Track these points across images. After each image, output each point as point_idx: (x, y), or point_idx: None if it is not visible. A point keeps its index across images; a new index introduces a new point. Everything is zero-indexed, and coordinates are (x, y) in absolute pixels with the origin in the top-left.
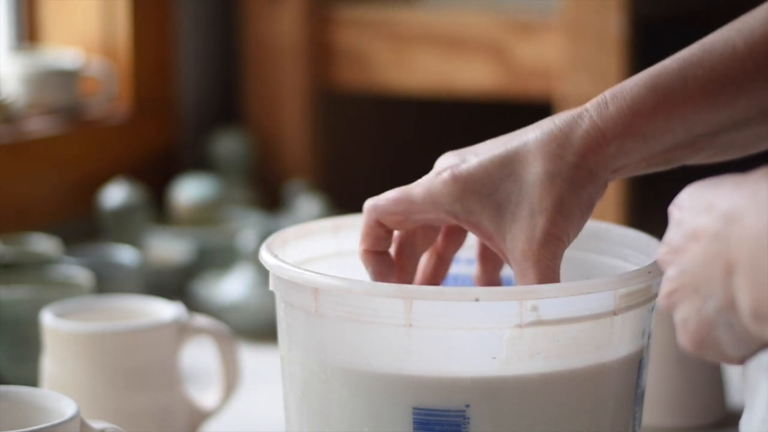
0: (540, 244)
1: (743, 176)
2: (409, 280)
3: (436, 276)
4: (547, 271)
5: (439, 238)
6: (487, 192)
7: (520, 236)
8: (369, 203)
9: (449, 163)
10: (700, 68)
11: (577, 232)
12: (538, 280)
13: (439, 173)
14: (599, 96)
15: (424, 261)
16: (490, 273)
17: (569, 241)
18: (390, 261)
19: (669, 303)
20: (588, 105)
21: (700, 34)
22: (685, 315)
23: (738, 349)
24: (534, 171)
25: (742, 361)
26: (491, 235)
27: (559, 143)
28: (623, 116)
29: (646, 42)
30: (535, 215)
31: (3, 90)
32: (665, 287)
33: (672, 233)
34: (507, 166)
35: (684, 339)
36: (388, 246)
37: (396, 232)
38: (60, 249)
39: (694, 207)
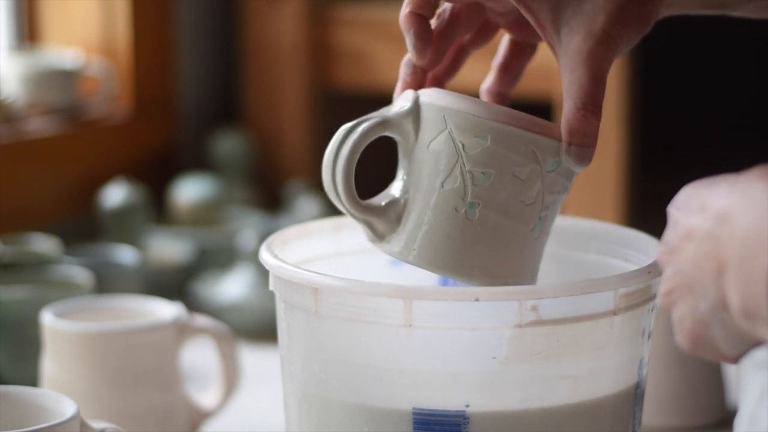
0: (597, 41)
1: (738, 176)
2: (439, 59)
3: (454, 65)
4: (598, 69)
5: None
6: None
7: (578, 31)
8: None
9: None
10: None
11: (629, 45)
12: (587, 76)
13: None
14: None
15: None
16: (504, 87)
17: (620, 51)
18: (430, 30)
19: (667, 302)
20: None
21: (701, 34)
22: (682, 314)
23: (732, 347)
24: None
25: (737, 359)
26: (545, 25)
27: None
28: None
29: (646, 41)
30: (598, 14)
31: (3, 90)
32: (663, 286)
33: (669, 233)
34: None
35: (681, 338)
36: (431, 14)
37: (440, 11)
38: (60, 249)
39: (689, 206)
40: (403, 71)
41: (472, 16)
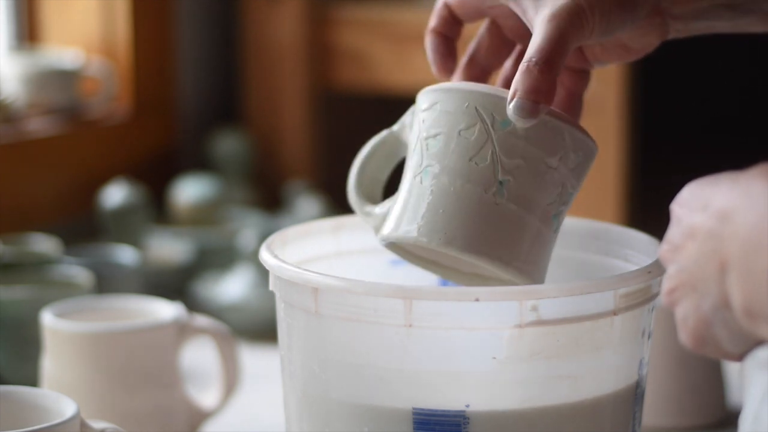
0: (561, 7)
1: (740, 174)
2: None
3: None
4: (556, 30)
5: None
6: None
7: (548, 4)
8: None
9: None
10: None
11: (609, 25)
12: (543, 35)
13: None
14: None
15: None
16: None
17: (592, 25)
18: (453, 49)
19: (670, 300)
20: None
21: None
22: (685, 312)
23: (736, 345)
24: None
25: (741, 357)
26: (526, 9)
27: None
28: None
29: None
30: None
31: (3, 90)
32: (666, 285)
33: (672, 231)
34: None
35: (684, 336)
36: (455, 35)
37: (472, 46)
38: (60, 249)
39: (691, 204)
40: None
41: (494, 40)
